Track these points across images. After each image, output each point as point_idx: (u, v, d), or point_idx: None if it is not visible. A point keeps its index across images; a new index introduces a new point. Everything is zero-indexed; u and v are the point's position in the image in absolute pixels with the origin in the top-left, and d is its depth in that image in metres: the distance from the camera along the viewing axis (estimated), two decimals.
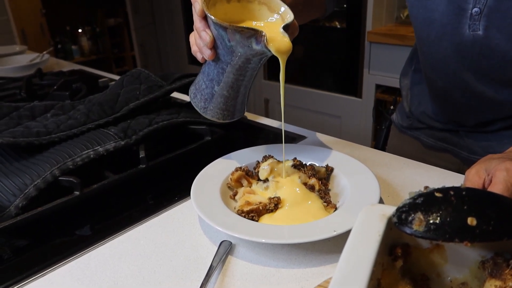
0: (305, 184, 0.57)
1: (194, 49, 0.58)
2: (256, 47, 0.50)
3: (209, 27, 0.53)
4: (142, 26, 3.20)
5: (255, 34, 0.49)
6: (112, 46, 4.35)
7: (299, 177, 0.57)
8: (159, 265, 0.49)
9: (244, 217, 0.52)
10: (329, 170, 0.61)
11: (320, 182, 0.58)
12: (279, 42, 0.51)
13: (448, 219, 0.34)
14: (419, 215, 0.35)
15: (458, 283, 0.39)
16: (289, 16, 0.54)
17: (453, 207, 0.34)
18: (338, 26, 2.23)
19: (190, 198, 0.56)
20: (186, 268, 0.48)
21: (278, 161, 0.60)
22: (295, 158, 0.61)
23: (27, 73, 1.37)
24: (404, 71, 0.94)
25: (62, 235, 0.57)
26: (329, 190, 0.59)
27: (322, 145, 0.76)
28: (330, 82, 2.35)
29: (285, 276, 0.47)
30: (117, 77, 1.30)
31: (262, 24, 0.57)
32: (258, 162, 0.63)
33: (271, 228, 0.49)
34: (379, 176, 0.61)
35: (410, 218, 0.35)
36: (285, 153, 0.62)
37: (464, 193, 0.35)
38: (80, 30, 4.09)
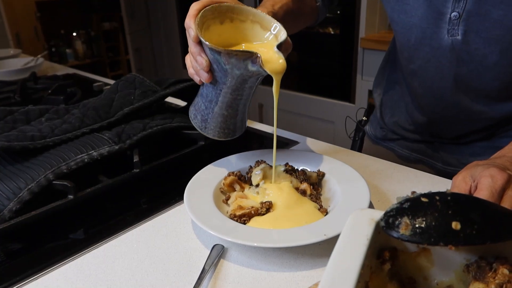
0: (296, 189, 0.58)
1: (191, 71, 0.60)
2: (252, 68, 0.51)
3: (204, 51, 0.54)
4: (137, 30, 3.21)
5: (250, 56, 0.50)
6: (107, 50, 4.35)
7: (291, 182, 0.58)
8: (152, 269, 0.50)
9: (237, 221, 0.53)
10: (320, 175, 0.62)
11: (312, 187, 0.59)
12: (274, 63, 0.53)
13: (433, 223, 0.35)
14: (406, 220, 0.36)
15: (444, 286, 0.40)
16: (283, 34, 0.56)
17: (438, 212, 0.35)
18: (332, 32, 2.25)
19: (183, 202, 0.56)
20: (179, 271, 0.49)
21: (271, 166, 0.61)
22: (287, 163, 0.62)
23: (21, 76, 1.37)
24: (377, 82, 0.94)
25: (56, 238, 0.57)
26: (321, 194, 0.60)
27: (314, 150, 0.77)
28: (323, 87, 2.37)
29: (276, 280, 0.47)
30: (111, 81, 1.30)
31: (255, 43, 0.58)
32: (251, 167, 0.64)
33: (263, 232, 0.50)
34: (369, 181, 0.62)
35: (397, 222, 0.36)
36: (277, 158, 0.63)
37: (449, 198, 0.36)
38: (74, 34, 4.08)
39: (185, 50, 3.18)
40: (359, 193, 0.55)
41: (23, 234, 0.57)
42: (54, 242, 0.57)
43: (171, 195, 0.65)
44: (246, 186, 0.61)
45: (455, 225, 0.34)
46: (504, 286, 0.33)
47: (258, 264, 0.50)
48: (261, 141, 0.84)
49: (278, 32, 0.57)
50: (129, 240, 0.55)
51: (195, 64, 0.57)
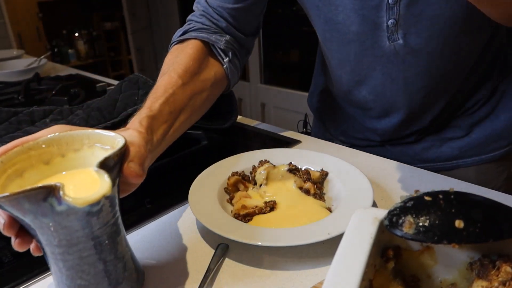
0: (300, 188, 0.59)
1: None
2: (60, 207, 0.36)
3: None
4: (139, 30, 3.22)
5: (49, 191, 0.35)
6: (108, 49, 4.36)
7: (295, 181, 0.59)
8: (157, 268, 0.50)
9: (241, 220, 0.53)
10: (323, 174, 0.62)
11: (315, 186, 0.59)
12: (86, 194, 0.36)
13: (436, 222, 0.35)
14: (409, 218, 0.36)
15: (447, 284, 0.40)
16: (119, 142, 0.42)
17: (441, 210, 0.36)
18: None
19: (187, 202, 0.57)
20: (184, 270, 0.50)
21: (274, 165, 0.62)
22: (291, 163, 0.63)
23: (24, 77, 1.38)
24: (312, 94, 0.95)
25: None
26: (324, 193, 0.61)
27: (316, 149, 0.77)
28: None
29: (281, 278, 0.48)
30: (114, 82, 1.31)
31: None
32: (254, 166, 0.64)
33: (267, 231, 0.50)
34: (372, 180, 0.62)
35: (400, 221, 0.36)
36: (281, 158, 0.63)
37: (452, 196, 0.37)
38: (76, 34, 4.10)
39: None
40: (363, 191, 0.56)
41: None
42: None
43: (175, 194, 0.65)
44: (250, 186, 0.61)
45: (459, 223, 0.35)
46: (507, 283, 0.33)
47: (263, 262, 0.50)
48: (263, 141, 0.84)
49: (119, 143, 0.42)
50: (134, 239, 0.56)
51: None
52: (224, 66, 0.72)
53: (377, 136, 0.84)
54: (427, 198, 0.37)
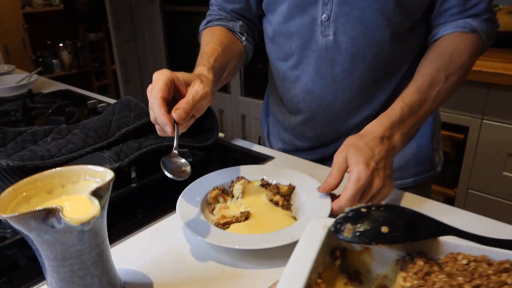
0: (271, 200, 0.69)
1: None
2: (59, 225, 0.43)
3: None
4: (124, 42, 3.29)
5: (50, 212, 0.42)
6: (92, 60, 4.42)
7: (266, 195, 0.69)
8: (149, 270, 0.60)
9: (221, 228, 0.64)
10: (291, 188, 0.73)
11: (283, 198, 0.70)
12: (82, 212, 0.45)
13: (368, 228, 0.46)
14: (349, 226, 0.47)
15: (381, 276, 0.51)
16: (108, 177, 0.50)
17: (372, 219, 0.47)
18: None
19: (175, 212, 0.67)
20: (173, 271, 0.60)
21: (249, 181, 0.72)
22: (263, 179, 0.73)
23: (15, 93, 1.46)
24: (263, 117, 1.10)
25: None
26: (291, 204, 0.71)
27: (287, 165, 0.88)
28: None
29: (254, 276, 0.58)
30: (102, 98, 1.40)
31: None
32: (233, 181, 0.75)
33: (242, 236, 0.60)
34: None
35: (342, 228, 0.47)
36: (255, 174, 0.74)
37: (382, 208, 0.48)
38: (61, 44, 4.14)
39: (170, 60, 3.27)
40: (323, 203, 0.67)
41: None
42: None
43: (164, 206, 0.75)
44: (229, 198, 0.71)
45: (384, 229, 0.46)
46: (418, 273, 0.44)
47: (238, 263, 0.60)
48: (242, 158, 0.95)
49: (108, 177, 0.50)
50: (129, 245, 0.65)
51: None
52: (243, 44, 0.92)
53: (307, 142, 0.95)
54: (363, 210, 0.48)
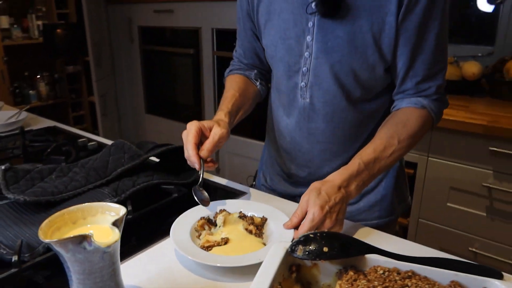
0: (246, 229, 0.86)
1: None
2: (90, 247, 0.57)
3: None
4: (103, 77, 3.44)
5: (84, 238, 0.56)
6: (69, 91, 4.52)
7: (243, 225, 0.86)
8: (148, 284, 0.75)
9: (205, 250, 0.80)
10: (263, 220, 0.90)
11: (256, 228, 0.86)
12: (107, 237, 0.60)
13: (314, 248, 0.64)
14: (300, 247, 0.65)
15: (326, 285, 0.69)
16: (121, 212, 0.64)
17: (317, 242, 0.65)
18: None
19: (167, 237, 0.83)
20: (166, 284, 0.75)
21: (229, 213, 0.90)
22: (241, 211, 0.91)
23: (5, 129, 1.59)
24: (264, 148, 1.30)
25: None
26: (263, 233, 0.88)
27: (259, 200, 1.06)
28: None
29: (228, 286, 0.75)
30: (93, 136, 1.55)
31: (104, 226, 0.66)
32: (216, 213, 0.91)
33: (222, 257, 0.77)
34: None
35: (296, 248, 0.65)
36: (233, 207, 0.92)
37: (324, 234, 0.66)
38: (38, 76, 4.24)
39: (147, 96, 3.43)
40: (287, 233, 0.84)
41: (52, 263, 0.81)
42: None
43: (156, 233, 0.90)
44: (212, 227, 0.88)
45: (325, 249, 0.64)
46: (348, 280, 0.62)
47: (219, 277, 0.77)
48: (219, 193, 1.11)
49: (122, 212, 0.65)
50: (131, 264, 0.80)
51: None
52: (258, 87, 1.16)
53: (291, 182, 1.15)
54: (311, 235, 0.66)
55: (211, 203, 0.94)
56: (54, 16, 4.24)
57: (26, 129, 1.61)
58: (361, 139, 1.04)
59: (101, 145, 1.43)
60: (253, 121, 2.81)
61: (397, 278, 0.61)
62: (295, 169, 1.13)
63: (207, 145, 0.91)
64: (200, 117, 2.98)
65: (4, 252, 0.79)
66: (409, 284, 0.60)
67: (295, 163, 1.12)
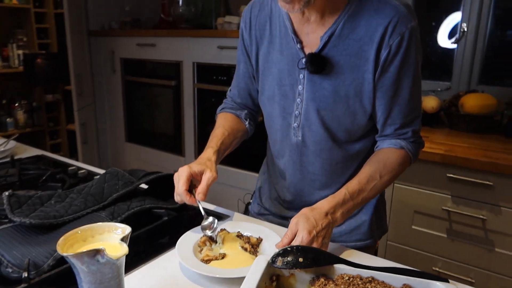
0: (242, 247, 0.98)
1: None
2: (102, 260, 0.66)
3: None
4: (84, 107, 3.52)
5: (98, 252, 0.65)
6: (48, 119, 4.54)
7: (239, 243, 0.98)
8: None
9: (205, 263, 0.91)
10: (259, 240, 1.02)
11: (252, 246, 0.98)
12: (117, 251, 0.70)
13: (291, 259, 0.76)
14: (280, 258, 0.77)
15: None
16: (127, 231, 0.75)
17: (294, 254, 0.77)
18: None
19: (160, 256, 0.93)
20: None
21: (229, 232, 1.02)
22: (239, 231, 1.03)
23: None
24: (262, 170, 1.43)
25: (73, 283, 0.90)
26: (257, 251, 0.99)
27: (244, 221, 1.17)
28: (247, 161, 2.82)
29: None
30: (81, 164, 1.63)
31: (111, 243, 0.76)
32: (218, 232, 1.02)
33: (220, 269, 0.88)
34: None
35: (276, 260, 0.77)
36: (232, 227, 1.04)
37: (300, 247, 0.78)
38: (16, 104, 4.27)
39: (128, 125, 3.52)
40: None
41: (58, 281, 0.89)
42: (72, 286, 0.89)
43: (147, 252, 1.00)
44: (213, 243, 1.00)
45: (300, 259, 0.76)
46: (319, 285, 0.74)
47: (216, 286, 0.87)
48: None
49: (128, 230, 0.75)
50: (137, 276, 0.90)
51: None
52: (246, 126, 1.27)
53: (285, 204, 1.27)
54: (289, 248, 0.78)
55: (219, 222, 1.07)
56: (35, 45, 4.31)
57: (15, 157, 1.68)
58: (348, 173, 1.18)
59: (91, 173, 1.52)
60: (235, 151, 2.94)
61: (359, 282, 0.73)
62: (288, 195, 1.26)
63: (203, 189, 1.02)
64: (180, 146, 3.09)
65: (11, 270, 0.87)
66: (369, 287, 0.72)
67: (289, 191, 1.25)
